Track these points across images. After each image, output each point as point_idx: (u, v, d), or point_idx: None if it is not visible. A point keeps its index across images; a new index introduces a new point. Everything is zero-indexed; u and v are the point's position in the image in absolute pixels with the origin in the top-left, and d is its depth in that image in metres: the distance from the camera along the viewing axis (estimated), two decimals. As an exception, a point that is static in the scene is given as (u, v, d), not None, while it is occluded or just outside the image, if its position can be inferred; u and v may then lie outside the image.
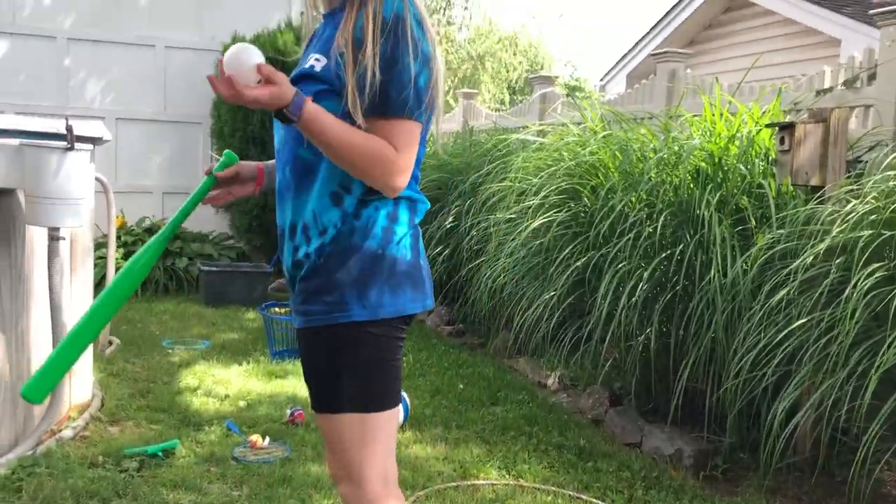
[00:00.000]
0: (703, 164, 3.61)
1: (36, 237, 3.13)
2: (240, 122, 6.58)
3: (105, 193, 4.22)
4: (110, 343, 4.69)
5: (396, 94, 1.49)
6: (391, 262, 1.57)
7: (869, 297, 2.62)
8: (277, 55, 6.55)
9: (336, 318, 1.55)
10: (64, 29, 6.87)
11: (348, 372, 1.56)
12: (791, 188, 3.57)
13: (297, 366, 4.42)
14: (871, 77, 4.18)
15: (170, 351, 4.69)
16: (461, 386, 4.24)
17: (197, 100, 7.19)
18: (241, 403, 3.79)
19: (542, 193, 4.02)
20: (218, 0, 7.27)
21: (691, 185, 3.57)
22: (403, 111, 1.50)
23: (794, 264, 2.83)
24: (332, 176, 1.56)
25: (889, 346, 2.51)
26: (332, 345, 1.56)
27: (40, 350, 3.16)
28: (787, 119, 4.07)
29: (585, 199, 4.00)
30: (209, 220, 7.16)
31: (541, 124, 5.94)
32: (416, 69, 1.50)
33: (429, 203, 1.71)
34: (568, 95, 7.31)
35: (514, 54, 18.73)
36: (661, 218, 3.40)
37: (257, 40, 6.65)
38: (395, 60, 1.47)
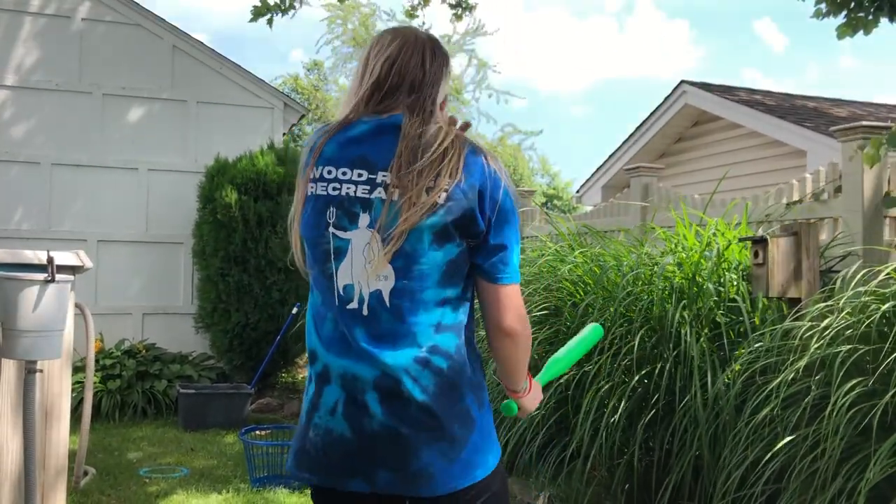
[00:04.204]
0: (677, 279, 3.66)
1: (12, 370, 3.08)
2: (222, 242, 6.62)
3: (84, 319, 4.19)
4: (85, 473, 4.55)
5: None
6: None
7: (852, 412, 2.62)
8: (259, 176, 6.68)
9: None
10: (47, 154, 6.99)
11: None
12: (765, 300, 3.62)
13: (277, 494, 4.30)
14: (837, 189, 4.32)
15: (147, 480, 4.55)
16: None
17: (179, 220, 7.26)
18: (220, 536, 3.66)
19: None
20: (201, 123, 7.45)
21: (667, 301, 3.61)
22: None
23: (776, 381, 2.84)
24: None
25: (875, 462, 2.50)
26: None
27: (12, 489, 3.06)
28: (760, 231, 4.17)
29: (567, 314, 4.02)
30: (189, 341, 7.10)
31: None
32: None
33: (323, 354, 1.62)
34: (545, 204, 7.44)
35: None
36: (640, 334, 3.42)
37: (239, 162, 6.78)
38: None
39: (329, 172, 1.62)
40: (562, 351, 1.98)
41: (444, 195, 1.55)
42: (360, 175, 1.60)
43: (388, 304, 1.57)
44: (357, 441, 1.57)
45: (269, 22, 6.59)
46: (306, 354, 1.67)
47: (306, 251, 1.65)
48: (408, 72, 1.67)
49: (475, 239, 1.59)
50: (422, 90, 1.66)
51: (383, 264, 1.56)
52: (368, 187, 1.59)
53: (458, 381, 1.60)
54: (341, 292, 1.60)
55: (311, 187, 1.63)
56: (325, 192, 1.62)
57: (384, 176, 1.58)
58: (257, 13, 6.47)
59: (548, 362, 1.94)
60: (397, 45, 1.69)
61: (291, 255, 1.72)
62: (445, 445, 1.57)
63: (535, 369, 1.86)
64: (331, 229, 1.60)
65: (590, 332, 2.04)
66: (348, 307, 1.59)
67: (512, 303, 1.62)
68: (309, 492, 4.52)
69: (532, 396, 1.79)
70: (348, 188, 1.60)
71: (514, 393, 1.76)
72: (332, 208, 1.60)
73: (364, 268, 1.57)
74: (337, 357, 1.59)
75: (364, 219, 1.58)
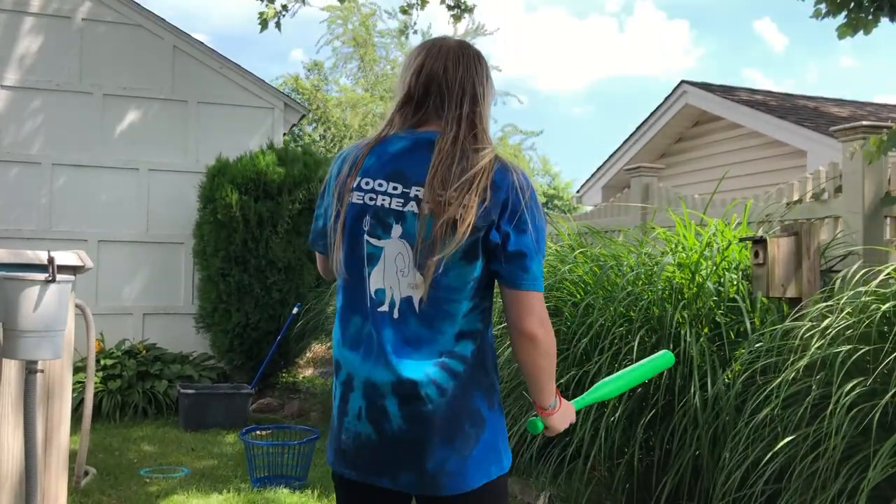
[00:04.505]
0: (676, 279, 3.66)
1: (12, 370, 3.08)
2: (222, 242, 6.62)
3: (85, 319, 4.19)
4: (86, 473, 4.55)
5: None
6: None
7: (853, 412, 2.62)
8: (259, 176, 6.68)
9: None
10: (48, 154, 6.99)
11: None
12: (765, 300, 3.62)
13: (278, 493, 4.30)
14: (837, 189, 4.32)
15: (147, 480, 4.55)
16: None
17: (179, 220, 7.26)
18: (221, 536, 3.66)
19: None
20: (202, 123, 7.45)
21: (667, 302, 3.61)
22: None
23: (777, 380, 2.84)
24: None
25: (876, 462, 2.50)
26: None
27: (12, 490, 3.06)
28: (760, 231, 4.17)
29: (567, 314, 4.02)
30: (189, 341, 7.10)
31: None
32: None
33: (346, 355, 1.74)
34: (546, 204, 7.45)
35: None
36: (639, 334, 3.42)
37: (240, 162, 6.78)
38: None
39: (367, 183, 1.72)
40: (616, 375, 1.93)
41: (473, 216, 1.63)
42: (394, 188, 1.69)
43: (417, 310, 1.68)
44: (380, 442, 1.69)
45: (278, 25, 6.59)
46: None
47: (341, 255, 1.73)
48: (432, 81, 1.74)
49: (494, 252, 1.67)
50: (451, 99, 1.72)
51: (421, 280, 1.66)
52: (402, 200, 1.69)
53: (471, 384, 1.69)
54: (373, 295, 1.70)
55: (350, 196, 1.73)
56: (361, 202, 1.72)
57: (417, 191, 1.67)
58: (264, 20, 6.47)
59: (595, 385, 1.92)
60: (423, 55, 1.77)
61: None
62: (458, 443, 1.67)
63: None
64: (366, 237, 1.71)
65: (657, 358, 1.94)
66: (379, 310, 1.69)
67: (533, 308, 1.67)
68: (308, 492, 4.54)
69: (561, 415, 1.79)
70: (383, 199, 1.70)
71: (543, 410, 1.77)
72: (367, 217, 1.71)
73: (396, 275, 1.68)
74: (358, 359, 1.70)
75: (397, 229, 1.69)
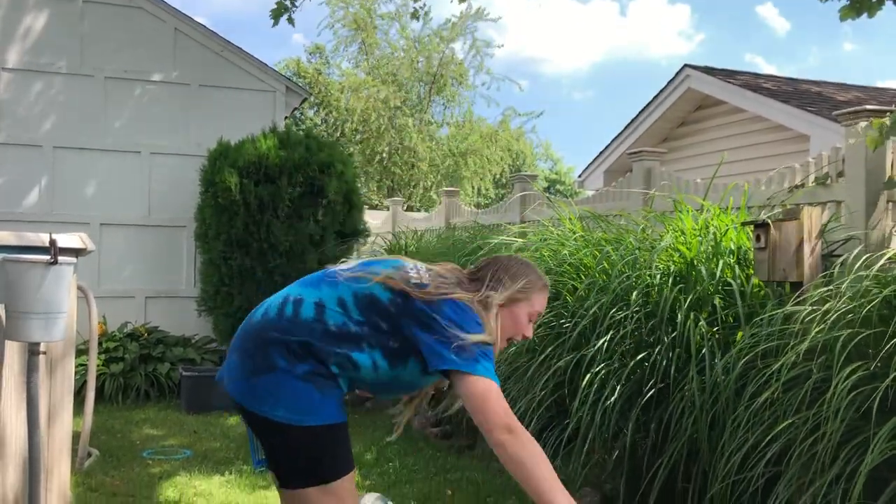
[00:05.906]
0: (675, 263, 3.66)
1: (15, 352, 3.09)
2: (224, 226, 6.62)
3: (87, 302, 4.19)
4: (89, 455, 4.56)
5: None
6: None
7: (853, 395, 2.63)
8: (260, 159, 6.67)
9: None
10: (49, 137, 6.98)
11: None
12: (761, 284, 3.62)
13: (280, 474, 4.33)
14: (840, 173, 4.30)
15: (150, 462, 4.58)
16: (449, 492, 4.15)
17: (181, 204, 7.26)
18: (223, 517, 3.69)
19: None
20: (203, 106, 7.44)
21: (665, 285, 3.60)
22: None
23: (778, 364, 2.84)
24: None
25: (875, 445, 2.51)
26: None
27: (16, 470, 3.08)
28: (763, 214, 4.16)
29: (566, 297, 4.03)
30: (191, 324, 7.12)
31: (521, 225, 6.03)
32: None
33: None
34: (548, 188, 7.44)
35: (496, 150, 19.15)
36: (636, 318, 3.43)
37: (242, 146, 6.77)
38: None
39: None
40: None
41: None
42: None
43: None
44: None
45: (290, 21, 6.54)
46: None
47: None
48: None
49: None
50: None
51: None
52: None
53: (274, 337, 2.06)
54: None
55: None
56: None
57: None
58: (277, 14, 6.43)
59: None
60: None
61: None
62: (241, 362, 2.09)
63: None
64: None
65: None
66: None
67: None
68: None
69: None
70: None
71: None
72: None
73: None
74: None
75: None
